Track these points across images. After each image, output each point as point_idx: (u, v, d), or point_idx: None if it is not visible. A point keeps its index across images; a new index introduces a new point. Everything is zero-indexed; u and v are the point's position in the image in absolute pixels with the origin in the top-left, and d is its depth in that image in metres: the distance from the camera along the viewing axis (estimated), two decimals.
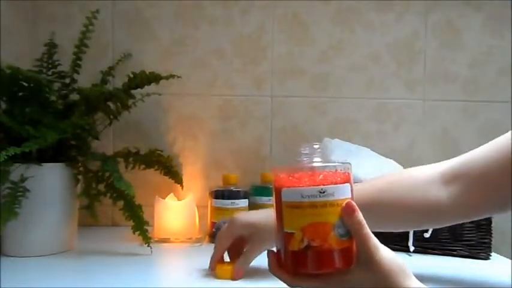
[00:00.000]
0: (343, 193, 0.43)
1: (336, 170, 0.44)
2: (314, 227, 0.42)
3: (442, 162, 0.64)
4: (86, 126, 0.82)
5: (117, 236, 0.92)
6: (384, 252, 0.44)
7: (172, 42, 1.07)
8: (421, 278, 0.70)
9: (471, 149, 0.62)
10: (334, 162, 0.45)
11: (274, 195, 0.46)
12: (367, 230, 0.44)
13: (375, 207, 0.60)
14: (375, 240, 0.44)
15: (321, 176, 0.43)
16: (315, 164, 0.45)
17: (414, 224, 0.68)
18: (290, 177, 0.44)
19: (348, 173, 0.45)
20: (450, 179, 0.60)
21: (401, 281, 0.44)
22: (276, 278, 0.47)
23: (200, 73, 1.07)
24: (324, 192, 0.42)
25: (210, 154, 1.08)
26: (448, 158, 0.63)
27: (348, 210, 0.43)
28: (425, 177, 0.62)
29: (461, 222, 0.68)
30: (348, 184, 0.44)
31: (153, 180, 0.99)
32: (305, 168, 0.44)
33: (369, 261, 0.43)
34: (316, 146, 0.45)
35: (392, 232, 0.84)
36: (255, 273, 0.65)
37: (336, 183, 0.43)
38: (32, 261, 0.73)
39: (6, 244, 0.77)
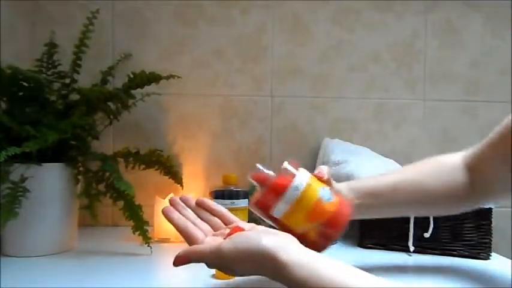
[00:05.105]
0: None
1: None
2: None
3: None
4: (86, 126, 0.82)
5: (117, 236, 0.92)
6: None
7: (172, 42, 1.07)
8: (421, 278, 0.70)
9: None
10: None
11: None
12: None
13: (400, 190, 0.64)
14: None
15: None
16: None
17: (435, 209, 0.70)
18: None
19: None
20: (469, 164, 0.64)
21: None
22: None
23: (200, 73, 1.07)
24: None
25: (210, 154, 1.08)
26: None
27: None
28: (451, 162, 0.66)
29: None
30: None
31: (153, 180, 0.99)
32: None
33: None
34: None
35: (392, 232, 0.84)
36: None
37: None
38: (32, 261, 0.73)
39: (6, 244, 0.77)
